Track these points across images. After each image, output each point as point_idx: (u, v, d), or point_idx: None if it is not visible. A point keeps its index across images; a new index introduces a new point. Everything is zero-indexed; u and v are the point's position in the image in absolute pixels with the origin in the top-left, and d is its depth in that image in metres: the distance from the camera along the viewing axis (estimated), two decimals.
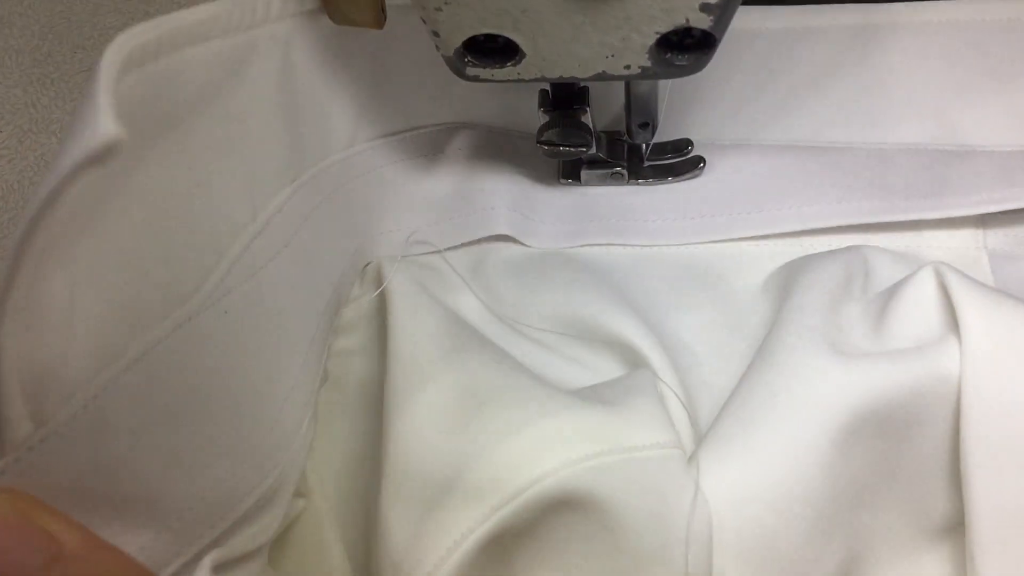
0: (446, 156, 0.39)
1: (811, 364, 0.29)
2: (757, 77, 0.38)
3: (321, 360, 0.34)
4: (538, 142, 0.36)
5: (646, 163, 0.39)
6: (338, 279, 0.35)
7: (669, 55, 0.29)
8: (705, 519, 0.27)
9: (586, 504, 0.27)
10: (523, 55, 0.29)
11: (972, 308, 0.28)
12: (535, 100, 0.36)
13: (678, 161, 0.39)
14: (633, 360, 0.33)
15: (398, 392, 0.30)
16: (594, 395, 0.31)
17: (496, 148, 0.40)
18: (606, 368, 0.34)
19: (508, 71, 0.30)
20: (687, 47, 0.29)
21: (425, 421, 0.29)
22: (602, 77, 0.30)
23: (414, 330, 0.32)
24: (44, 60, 0.45)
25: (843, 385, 0.28)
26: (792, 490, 0.27)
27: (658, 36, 0.28)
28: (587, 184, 0.39)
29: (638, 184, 0.39)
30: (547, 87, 0.35)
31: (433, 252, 0.37)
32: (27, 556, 0.20)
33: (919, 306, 0.30)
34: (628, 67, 0.29)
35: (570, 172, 0.39)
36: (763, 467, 0.28)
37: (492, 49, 0.29)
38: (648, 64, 0.29)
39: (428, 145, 0.39)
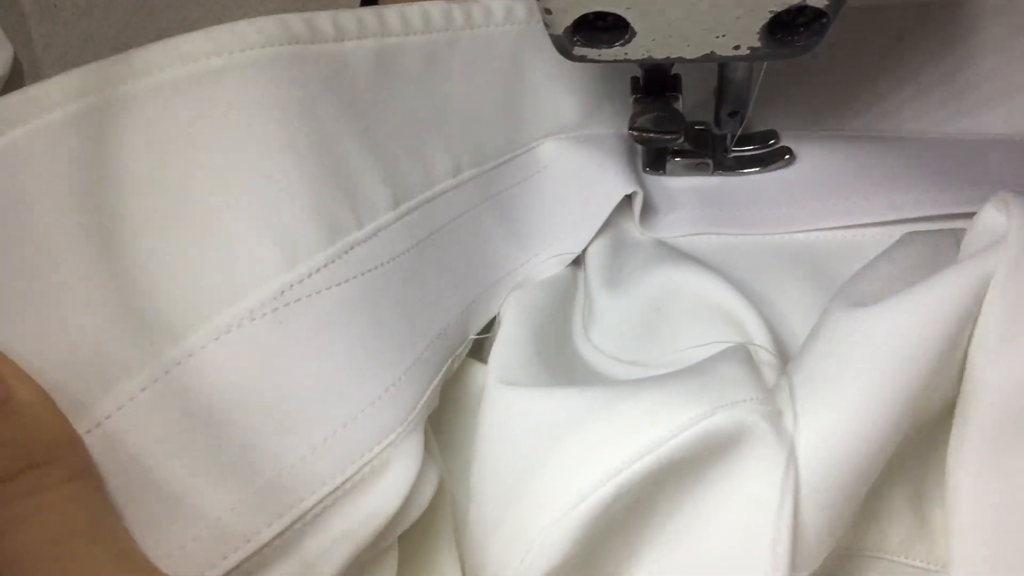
0: (540, 173, 0.39)
1: (867, 313, 0.29)
2: (842, 68, 0.38)
3: (425, 385, 0.31)
4: (630, 129, 0.35)
5: (731, 154, 0.39)
6: (453, 313, 0.33)
7: (780, 35, 0.29)
8: (794, 471, 0.27)
9: (690, 466, 0.27)
10: (633, 34, 0.29)
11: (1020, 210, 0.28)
12: (613, 100, 0.36)
13: (765, 152, 0.39)
14: (738, 332, 0.33)
15: (502, 378, 0.30)
16: (690, 368, 0.31)
17: (581, 152, 0.39)
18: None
19: (615, 51, 0.30)
20: (797, 27, 0.29)
21: (528, 402, 0.29)
22: (710, 58, 0.30)
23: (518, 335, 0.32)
24: (123, 49, 0.46)
25: (900, 318, 0.28)
26: (864, 437, 0.27)
27: (772, 15, 0.28)
28: (672, 174, 0.39)
29: (723, 175, 0.39)
30: (639, 74, 0.35)
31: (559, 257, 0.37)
32: None
33: (982, 234, 0.30)
34: (737, 47, 0.29)
35: (654, 162, 0.39)
36: (838, 418, 0.27)
37: (602, 28, 0.29)
38: (758, 44, 0.29)
39: (525, 167, 0.38)
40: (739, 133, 0.38)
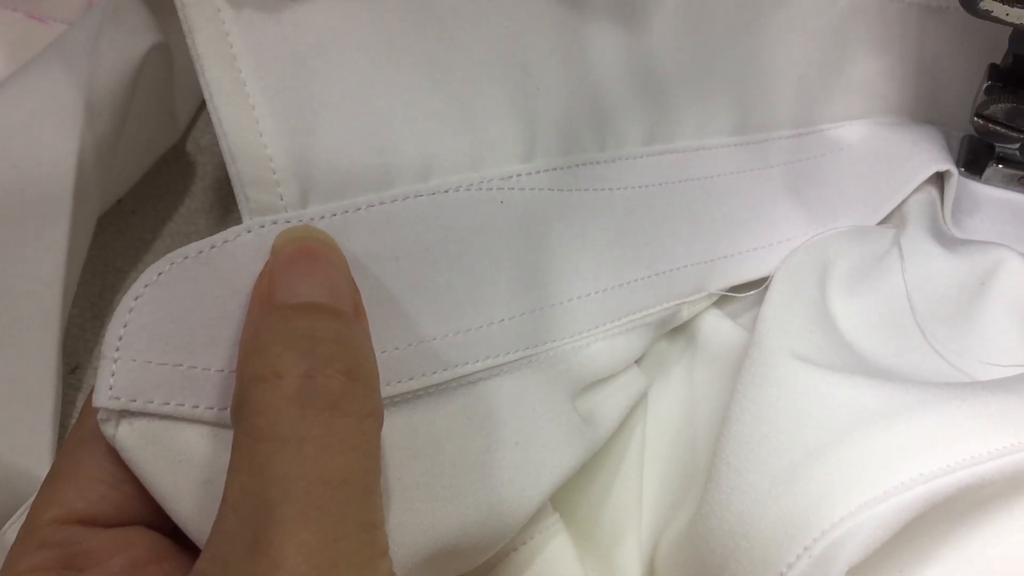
0: (843, 151, 0.36)
1: None
2: None
3: (629, 309, 0.29)
4: (976, 115, 0.33)
5: None
6: (686, 259, 0.31)
7: None
8: None
9: (994, 493, 0.24)
10: None
11: None
12: (938, 91, 0.34)
13: None
14: None
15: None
16: (1001, 384, 0.28)
17: (893, 134, 0.37)
18: None
19: None
20: None
21: (827, 385, 0.27)
22: None
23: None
24: None
25: None
26: None
27: None
28: (987, 181, 0.36)
29: None
30: (1002, 60, 0.33)
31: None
32: (339, 300, 0.20)
33: None
34: None
35: (972, 164, 0.36)
36: None
37: None
38: None
39: (825, 143, 0.36)
40: None
